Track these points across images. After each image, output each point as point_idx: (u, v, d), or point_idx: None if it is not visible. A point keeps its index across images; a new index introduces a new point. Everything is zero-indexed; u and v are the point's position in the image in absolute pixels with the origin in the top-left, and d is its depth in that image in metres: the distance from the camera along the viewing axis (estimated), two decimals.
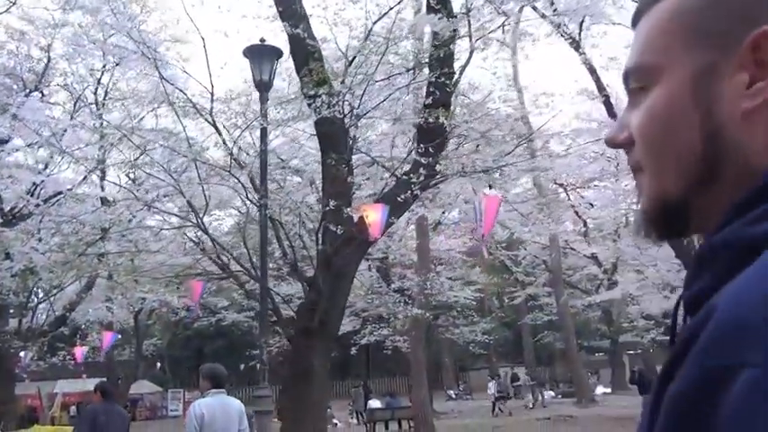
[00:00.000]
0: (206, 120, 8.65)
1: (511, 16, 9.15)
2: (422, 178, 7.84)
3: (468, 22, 8.27)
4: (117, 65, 13.38)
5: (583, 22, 12.09)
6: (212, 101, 8.47)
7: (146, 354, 27.23)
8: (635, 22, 0.60)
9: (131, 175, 15.01)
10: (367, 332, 20.20)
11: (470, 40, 8.47)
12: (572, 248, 22.77)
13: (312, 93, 7.59)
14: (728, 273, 0.44)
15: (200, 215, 9.15)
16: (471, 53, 8.68)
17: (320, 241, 8.27)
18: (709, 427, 0.39)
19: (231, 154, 8.60)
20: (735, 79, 0.51)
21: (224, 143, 8.57)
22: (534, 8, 10.65)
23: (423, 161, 7.84)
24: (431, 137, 7.99)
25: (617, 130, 0.59)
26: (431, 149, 7.89)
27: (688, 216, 0.54)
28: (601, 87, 12.82)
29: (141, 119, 13.18)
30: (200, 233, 9.78)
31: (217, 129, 8.51)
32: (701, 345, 0.41)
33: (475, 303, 27.37)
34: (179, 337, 31.96)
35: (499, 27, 8.90)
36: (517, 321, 32.25)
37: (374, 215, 7.40)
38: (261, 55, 7.80)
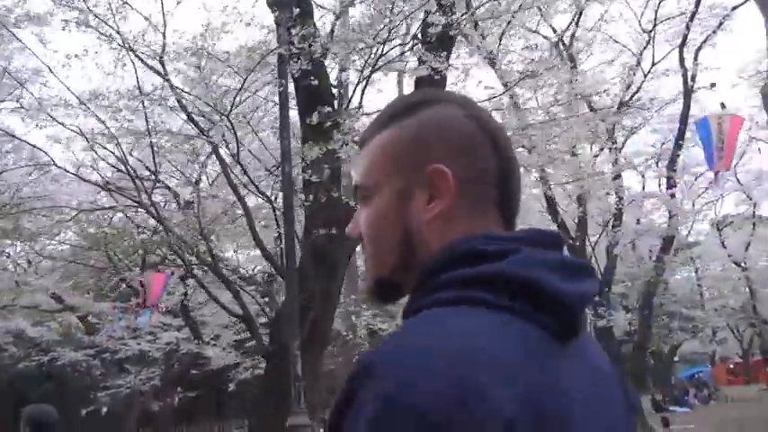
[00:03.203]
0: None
1: None
2: None
3: None
4: None
5: None
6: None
7: None
8: (360, 146, 0.83)
9: None
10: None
11: None
12: None
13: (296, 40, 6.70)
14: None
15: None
16: None
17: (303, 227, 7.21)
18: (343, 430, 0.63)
19: None
20: (419, 198, 0.76)
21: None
22: None
23: None
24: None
25: (352, 225, 0.83)
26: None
27: (398, 289, 0.79)
28: None
29: None
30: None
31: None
32: (347, 379, 0.63)
33: None
34: None
35: None
36: None
37: None
38: None
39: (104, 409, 21.27)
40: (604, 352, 0.79)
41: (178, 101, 7.99)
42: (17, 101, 12.75)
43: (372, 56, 7.35)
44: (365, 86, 7.58)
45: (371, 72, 7.45)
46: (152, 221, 18.29)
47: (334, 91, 7.67)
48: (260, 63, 7.60)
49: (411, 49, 7.43)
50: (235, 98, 7.82)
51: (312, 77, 7.04)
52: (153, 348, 19.29)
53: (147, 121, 8.74)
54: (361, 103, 7.69)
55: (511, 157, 0.79)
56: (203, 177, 11.86)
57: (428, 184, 0.75)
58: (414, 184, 0.76)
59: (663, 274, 16.47)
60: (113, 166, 10.59)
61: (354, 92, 7.62)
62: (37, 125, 11.20)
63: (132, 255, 20.80)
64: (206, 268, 9.46)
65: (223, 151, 8.77)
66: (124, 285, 24.79)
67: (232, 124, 7.79)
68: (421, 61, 7.12)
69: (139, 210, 17.11)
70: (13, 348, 20.60)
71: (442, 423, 0.56)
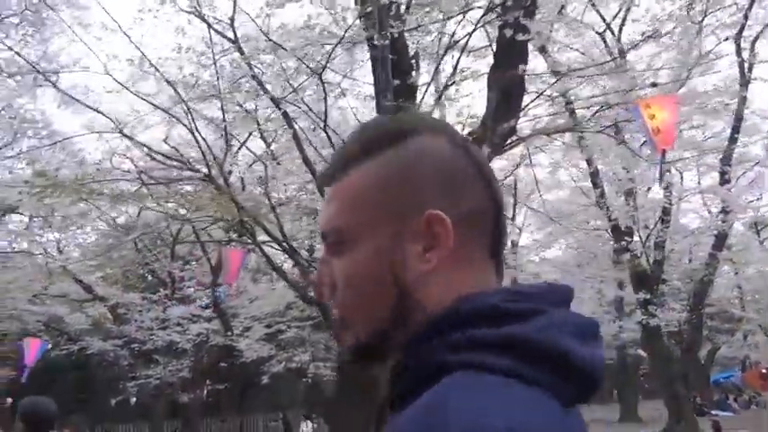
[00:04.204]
0: None
1: None
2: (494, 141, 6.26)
3: None
4: None
5: None
6: None
7: None
8: (326, 182, 0.72)
9: None
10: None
11: None
12: None
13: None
14: (415, 381, 0.61)
15: None
16: None
17: None
18: None
19: None
20: (413, 247, 0.66)
21: None
22: None
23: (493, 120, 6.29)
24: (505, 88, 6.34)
25: (319, 276, 0.72)
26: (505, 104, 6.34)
27: (384, 352, 0.68)
28: None
29: None
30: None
31: None
32: None
33: None
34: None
35: None
36: None
37: None
38: None
39: (133, 400, 21.18)
40: None
41: (248, 65, 7.63)
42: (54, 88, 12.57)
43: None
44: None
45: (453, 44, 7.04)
46: (182, 211, 18.25)
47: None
48: (349, 29, 7.15)
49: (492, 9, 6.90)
50: (330, 53, 7.42)
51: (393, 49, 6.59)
52: (183, 340, 19.08)
53: (219, 85, 8.28)
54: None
55: (500, 193, 0.71)
56: (273, 150, 11.45)
57: (423, 232, 0.66)
58: (406, 231, 0.67)
59: (715, 272, 15.87)
60: (154, 153, 10.21)
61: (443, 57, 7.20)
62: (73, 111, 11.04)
63: (160, 246, 20.72)
64: (277, 247, 9.03)
65: (299, 124, 8.38)
66: (150, 277, 24.93)
67: (324, 86, 7.41)
68: (505, 23, 6.53)
69: (170, 200, 17.04)
70: (45, 337, 20.53)
71: None
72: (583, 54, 12.91)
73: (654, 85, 12.18)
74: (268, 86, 7.99)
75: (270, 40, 7.57)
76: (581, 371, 0.61)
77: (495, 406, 0.55)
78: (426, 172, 0.68)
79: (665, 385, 15.33)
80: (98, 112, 10.08)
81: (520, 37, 6.38)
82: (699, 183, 18.54)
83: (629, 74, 10.81)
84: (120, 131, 8.89)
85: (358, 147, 0.71)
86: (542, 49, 10.22)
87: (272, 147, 11.33)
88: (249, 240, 8.79)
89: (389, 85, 6.37)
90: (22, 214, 15.72)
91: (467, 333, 0.61)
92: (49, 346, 15.57)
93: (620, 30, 14.44)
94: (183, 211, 17.78)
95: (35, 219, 16.97)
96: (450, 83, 7.09)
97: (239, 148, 12.91)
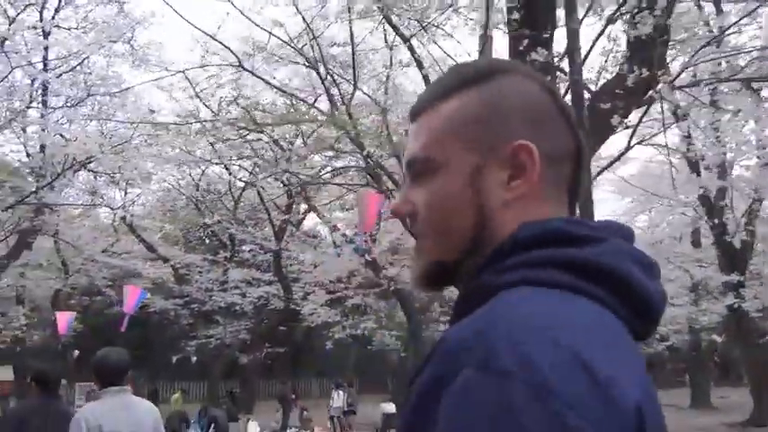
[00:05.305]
0: None
1: None
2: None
3: None
4: None
5: None
6: None
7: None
8: (413, 118, 0.75)
9: None
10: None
11: None
12: None
13: None
14: (478, 306, 0.60)
15: None
16: None
17: None
18: (434, 414, 0.54)
19: None
20: (498, 176, 0.68)
21: None
22: None
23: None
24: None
25: (401, 203, 0.74)
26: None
27: (454, 274, 0.70)
28: None
29: None
30: None
31: None
32: (434, 358, 0.58)
33: None
34: (89, 324, 28.92)
35: None
36: None
37: None
38: None
39: (193, 359, 21.47)
40: None
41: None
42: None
43: None
44: None
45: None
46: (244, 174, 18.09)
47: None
48: None
49: None
50: None
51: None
52: (245, 302, 19.12)
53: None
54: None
55: (582, 138, 0.73)
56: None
57: (510, 161, 0.68)
58: (492, 161, 0.69)
59: None
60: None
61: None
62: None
63: (221, 208, 20.74)
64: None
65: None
66: (208, 241, 25.11)
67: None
68: None
69: (238, 160, 16.90)
70: (110, 292, 20.93)
71: (578, 406, 0.50)
72: None
73: None
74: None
75: None
76: (642, 298, 0.61)
77: (551, 310, 0.56)
78: (515, 106, 0.69)
79: (752, 372, 14.49)
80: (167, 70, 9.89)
81: None
82: None
83: None
84: (240, 65, 8.63)
85: (449, 81, 0.73)
86: None
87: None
88: (375, 186, 8.43)
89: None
90: (93, 171, 15.80)
91: (524, 255, 0.62)
92: (148, 295, 15.82)
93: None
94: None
95: (101, 176, 17.09)
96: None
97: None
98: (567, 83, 4.69)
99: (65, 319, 14.82)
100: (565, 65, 5.22)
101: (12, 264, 15.50)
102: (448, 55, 8.59)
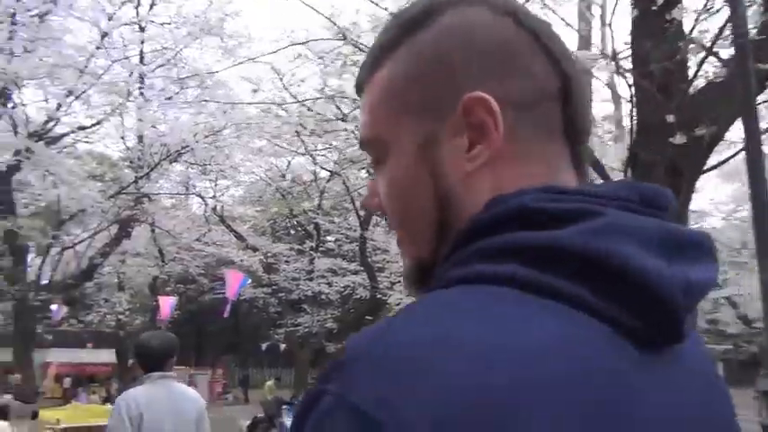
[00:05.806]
0: None
1: None
2: None
3: None
4: None
5: None
6: None
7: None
8: (358, 92, 0.61)
9: None
10: None
11: None
12: None
13: None
14: None
15: None
16: None
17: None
18: None
19: None
20: (454, 143, 0.53)
21: None
22: None
23: None
24: None
25: (368, 196, 0.61)
26: None
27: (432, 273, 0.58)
28: None
29: None
30: None
31: None
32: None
33: None
34: (181, 311, 30.29)
35: None
36: None
37: None
38: None
39: (282, 346, 21.89)
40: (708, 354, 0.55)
41: None
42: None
43: None
44: None
45: None
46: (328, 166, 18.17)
47: None
48: None
49: None
50: None
51: None
52: (331, 291, 19.24)
53: None
54: None
55: (568, 62, 0.55)
56: None
57: (465, 122, 0.53)
58: (439, 126, 0.54)
59: None
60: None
61: None
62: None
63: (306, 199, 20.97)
64: None
65: None
66: (294, 231, 25.55)
67: None
68: None
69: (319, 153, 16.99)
70: (204, 280, 21.67)
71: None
72: None
73: None
74: None
75: None
76: (645, 290, 0.44)
77: (439, 319, 0.43)
78: (460, 50, 0.54)
79: None
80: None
81: None
82: None
83: None
84: (344, 36, 8.44)
85: (385, 38, 0.58)
86: None
87: None
88: None
89: None
90: (187, 162, 16.35)
91: (479, 243, 0.49)
92: (249, 281, 16.29)
93: None
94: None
95: (193, 167, 17.66)
96: None
97: None
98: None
99: (167, 304, 15.38)
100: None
101: (113, 251, 16.29)
102: None
